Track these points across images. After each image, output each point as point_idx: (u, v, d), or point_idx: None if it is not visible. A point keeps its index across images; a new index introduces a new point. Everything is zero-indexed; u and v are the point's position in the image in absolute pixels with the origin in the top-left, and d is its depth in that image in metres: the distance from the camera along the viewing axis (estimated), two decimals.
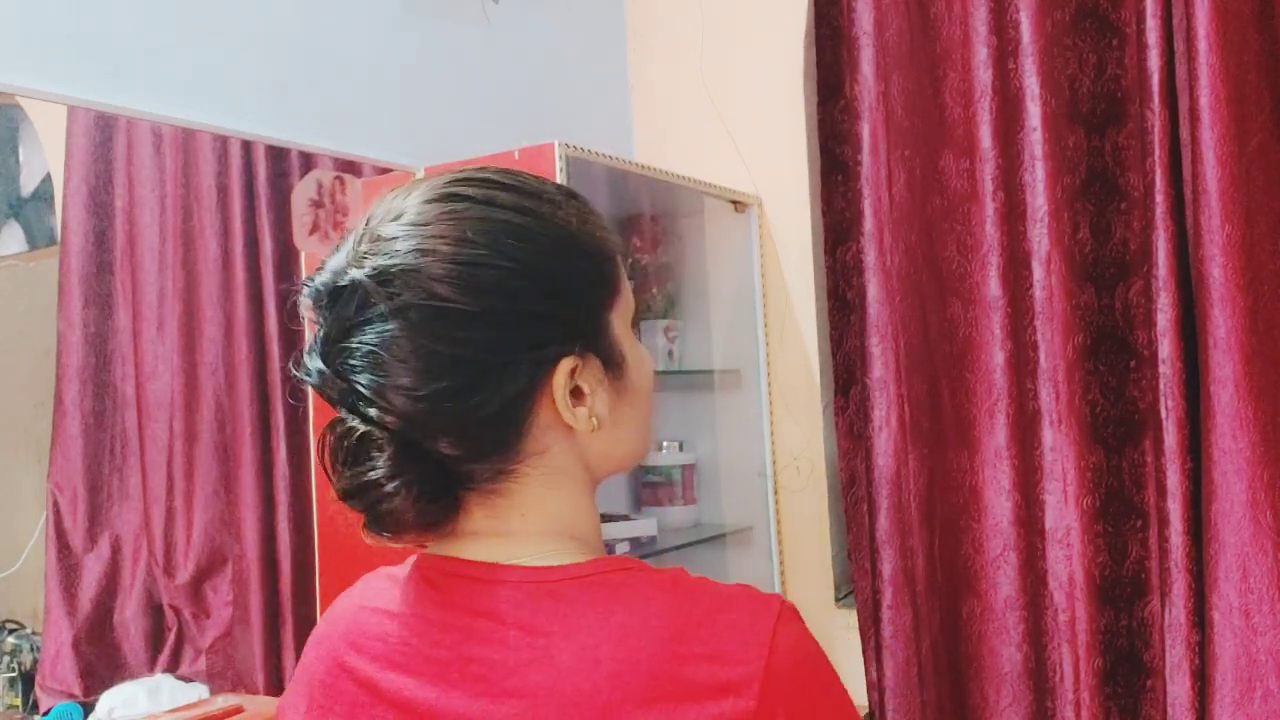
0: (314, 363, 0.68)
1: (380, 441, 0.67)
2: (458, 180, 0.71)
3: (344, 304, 0.67)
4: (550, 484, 0.71)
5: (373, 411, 0.66)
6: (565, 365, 0.69)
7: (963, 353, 2.05)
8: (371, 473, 0.67)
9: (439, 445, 0.67)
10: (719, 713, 0.62)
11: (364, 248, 0.68)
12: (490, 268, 0.67)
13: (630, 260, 2.37)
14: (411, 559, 0.75)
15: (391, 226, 0.68)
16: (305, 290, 0.69)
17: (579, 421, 0.70)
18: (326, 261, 0.70)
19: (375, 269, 0.66)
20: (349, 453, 0.68)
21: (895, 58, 2.11)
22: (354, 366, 0.66)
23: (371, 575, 0.78)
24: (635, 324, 0.78)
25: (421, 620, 0.69)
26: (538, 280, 0.68)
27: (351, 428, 0.67)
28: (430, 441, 0.67)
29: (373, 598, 0.74)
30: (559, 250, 0.70)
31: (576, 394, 0.70)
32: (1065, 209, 1.94)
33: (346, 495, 0.69)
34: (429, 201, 0.69)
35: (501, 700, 0.64)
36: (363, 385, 0.66)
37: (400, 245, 0.67)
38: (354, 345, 0.66)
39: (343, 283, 0.67)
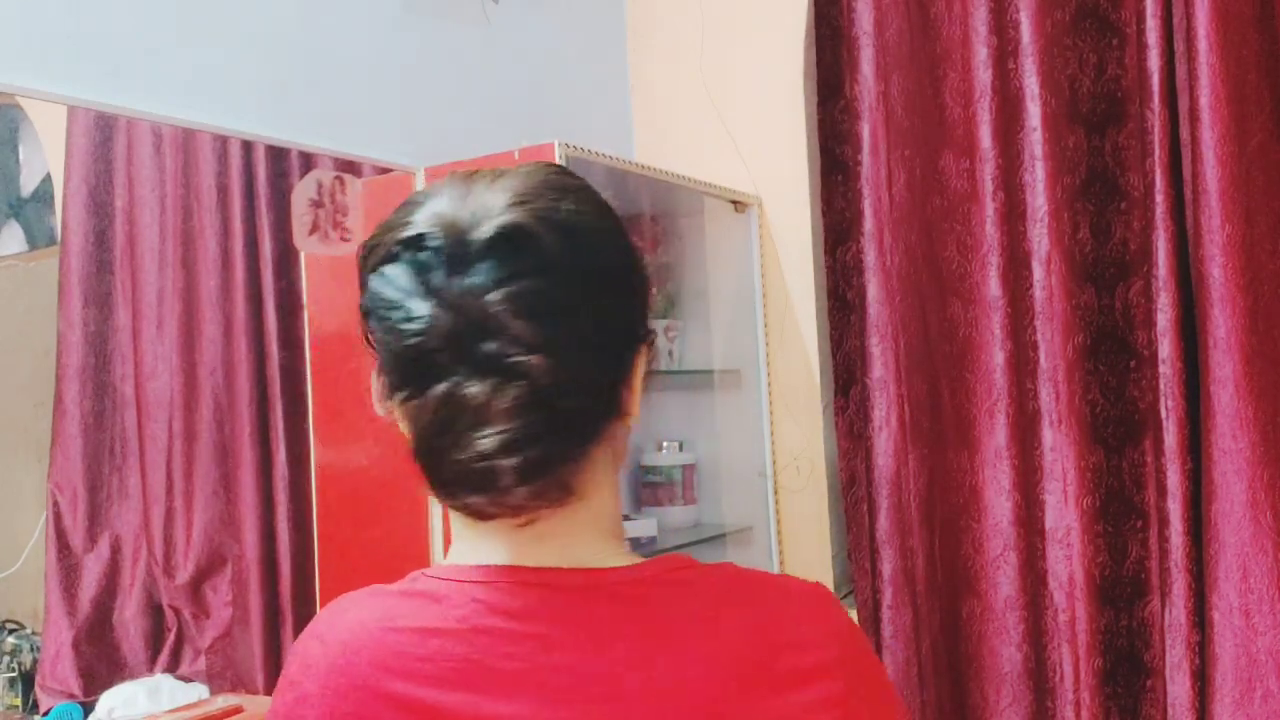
0: (440, 309, 0.63)
1: (520, 397, 0.62)
2: (550, 165, 0.72)
3: (507, 248, 0.64)
4: (607, 471, 0.71)
5: (530, 359, 0.62)
6: (645, 350, 0.71)
7: (963, 353, 2.05)
8: (510, 433, 0.62)
9: (571, 405, 0.64)
10: (813, 698, 0.65)
11: (507, 198, 0.66)
12: (625, 239, 0.70)
13: None
14: (412, 575, 0.71)
15: (520, 184, 0.67)
16: (426, 233, 0.65)
17: (637, 407, 0.71)
18: (423, 210, 0.67)
19: (550, 216, 0.65)
20: (483, 412, 0.62)
21: (895, 58, 2.11)
22: (513, 312, 0.62)
23: (369, 595, 0.71)
24: None
25: (483, 634, 0.65)
26: (642, 268, 0.73)
27: (493, 383, 0.62)
28: (566, 400, 0.63)
29: (399, 618, 0.67)
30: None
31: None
32: (1065, 209, 1.94)
33: (487, 456, 0.62)
34: (552, 174, 0.70)
35: (591, 706, 0.63)
36: (522, 331, 0.62)
37: (560, 203, 0.67)
38: (517, 289, 0.63)
39: (508, 225, 0.64)
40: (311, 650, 0.69)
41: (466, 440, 0.62)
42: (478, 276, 0.63)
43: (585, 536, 0.69)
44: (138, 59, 1.53)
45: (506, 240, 0.64)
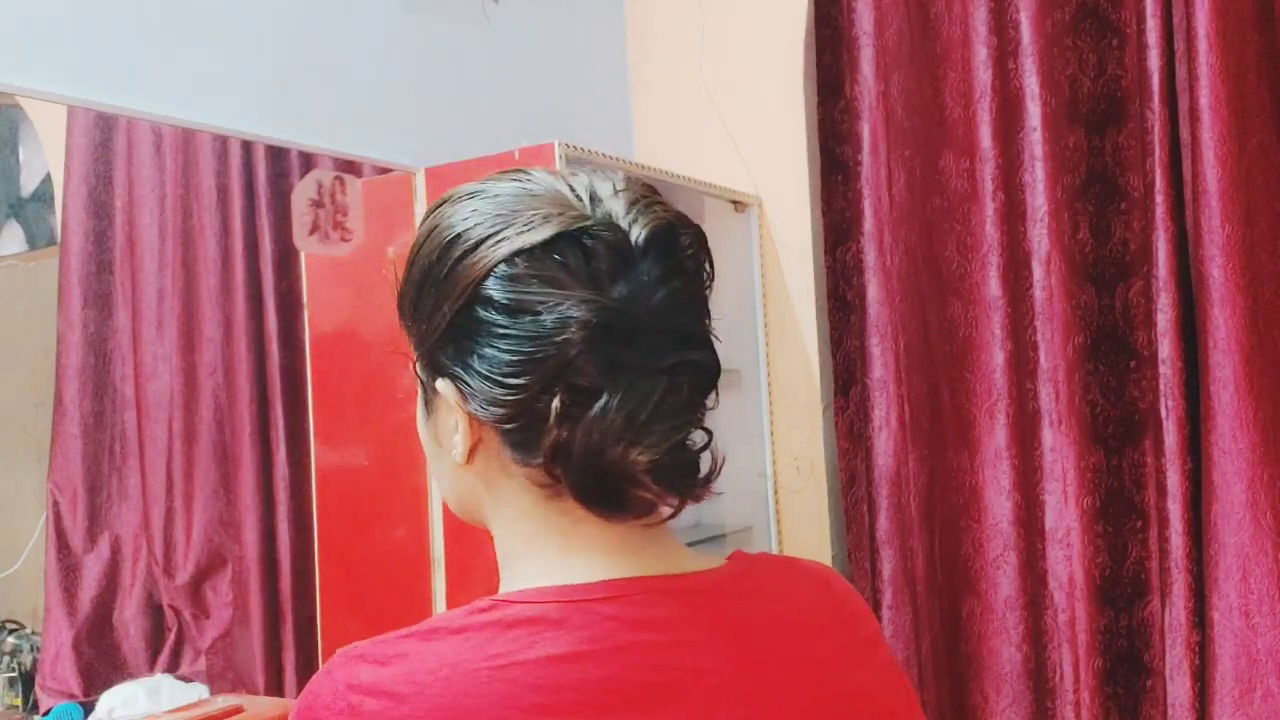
0: (609, 303, 0.61)
1: (692, 391, 0.63)
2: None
3: (662, 248, 0.64)
4: None
5: (698, 355, 0.64)
6: None
7: (963, 353, 2.05)
8: (693, 426, 0.63)
9: (711, 399, 0.67)
10: (882, 659, 0.72)
11: (630, 196, 0.66)
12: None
13: None
14: (483, 603, 0.63)
15: (623, 183, 0.68)
16: (588, 226, 0.63)
17: None
18: (600, 204, 0.65)
19: (680, 218, 0.67)
20: (676, 406, 0.62)
21: (895, 58, 2.11)
22: (675, 309, 0.63)
23: (428, 636, 0.61)
24: None
25: (624, 650, 0.61)
26: None
27: (670, 380, 0.62)
28: (711, 393, 0.66)
29: (508, 652, 0.60)
30: None
31: None
32: (1065, 209, 1.94)
33: (677, 449, 0.62)
34: (645, 184, 0.71)
35: (754, 705, 0.63)
36: (687, 326, 0.64)
37: (679, 214, 0.68)
38: (676, 289, 0.64)
39: (660, 227, 0.64)
40: (368, 709, 0.58)
41: (655, 435, 0.60)
42: (643, 275, 0.63)
43: (668, 541, 0.68)
44: (138, 59, 1.53)
45: (661, 240, 0.64)
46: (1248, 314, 1.72)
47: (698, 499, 0.64)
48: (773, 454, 2.35)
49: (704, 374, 0.65)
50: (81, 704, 1.49)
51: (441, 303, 0.65)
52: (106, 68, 1.50)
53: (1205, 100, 1.73)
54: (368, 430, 1.71)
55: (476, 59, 2.14)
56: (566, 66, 2.38)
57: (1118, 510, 1.93)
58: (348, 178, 1.79)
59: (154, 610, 1.62)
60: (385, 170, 1.87)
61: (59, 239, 1.55)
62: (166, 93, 1.56)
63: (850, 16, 2.16)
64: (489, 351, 0.63)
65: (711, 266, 0.70)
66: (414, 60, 1.99)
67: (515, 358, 0.62)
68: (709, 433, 0.65)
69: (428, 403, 0.70)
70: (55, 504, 1.52)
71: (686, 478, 0.63)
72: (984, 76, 2.01)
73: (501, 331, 0.62)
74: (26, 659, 1.48)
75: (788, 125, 2.34)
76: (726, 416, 2.44)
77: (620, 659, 0.60)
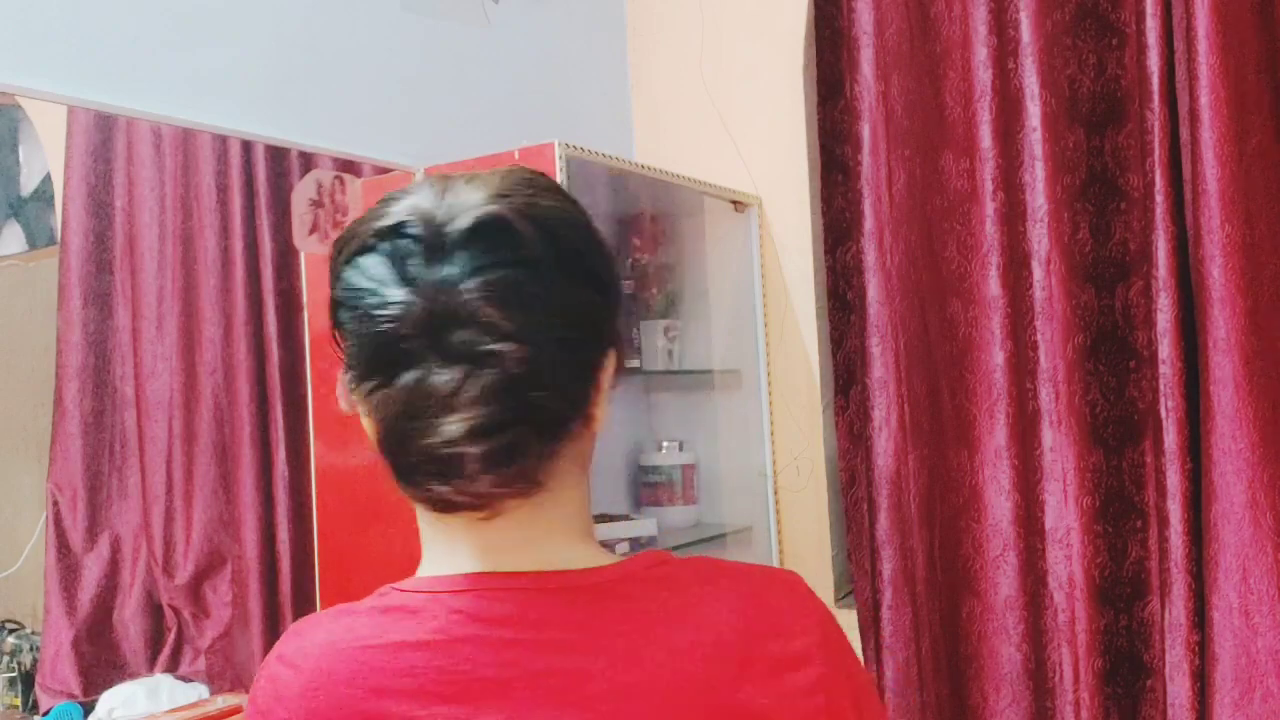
0: (415, 296, 0.63)
1: (490, 385, 0.62)
2: (527, 169, 0.72)
3: (486, 237, 0.64)
4: (575, 472, 0.71)
5: (502, 347, 0.62)
6: (614, 355, 0.71)
7: (963, 353, 2.05)
8: (478, 419, 0.61)
9: (541, 396, 0.64)
10: (798, 683, 0.66)
11: (486, 193, 0.66)
12: (601, 240, 0.71)
13: (630, 260, 2.37)
14: (381, 590, 0.70)
15: (499, 182, 0.68)
16: (407, 221, 0.65)
17: (602, 411, 0.71)
18: (400, 204, 0.67)
19: (528, 211, 0.66)
20: (452, 399, 0.62)
21: (895, 58, 2.11)
22: (488, 300, 0.62)
23: (335, 616, 0.69)
24: None
25: (464, 643, 0.64)
26: (616, 272, 0.73)
27: (466, 371, 0.62)
28: (537, 391, 0.64)
29: (372, 635, 0.66)
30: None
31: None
32: (1065, 209, 1.94)
33: (453, 442, 0.62)
34: (529, 174, 0.71)
35: (588, 706, 0.63)
36: (496, 319, 0.62)
37: (538, 199, 0.67)
38: (494, 279, 0.63)
39: (487, 216, 0.65)
40: (281, 675, 0.67)
41: (433, 426, 0.62)
42: (454, 266, 0.63)
43: (557, 539, 0.69)
44: (138, 59, 1.53)
45: (485, 230, 0.64)
46: (1248, 314, 1.72)
47: (481, 501, 0.64)
48: (773, 454, 2.35)
49: (505, 367, 0.62)
50: (81, 704, 1.49)
51: (331, 312, 0.70)
52: (106, 68, 1.50)
53: (1205, 100, 1.73)
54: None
55: (476, 59, 2.13)
56: (566, 66, 2.38)
57: (1118, 510, 1.93)
58: (347, 177, 1.79)
59: (154, 610, 1.62)
60: (385, 170, 1.87)
61: (59, 239, 1.55)
62: (166, 93, 1.56)
63: (850, 16, 2.16)
64: (346, 347, 0.68)
65: (599, 268, 0.69)
66: (414, 60, 1.99)
67: (353, 351, 0.67)
68: (526, 431, 0.63)
69: None
70: (55, 504, 1.52)
71: (454, 472, 0.63)
72: (984, 76, 2.01)
73: (346, 328, 0.67)
74: (26, 659, 1.48)
75: (788, 125, 2.34)
76: (726, 416, 2.44)
77: (461, 651, 0.64)
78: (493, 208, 0.65)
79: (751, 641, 0.66)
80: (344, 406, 0.68)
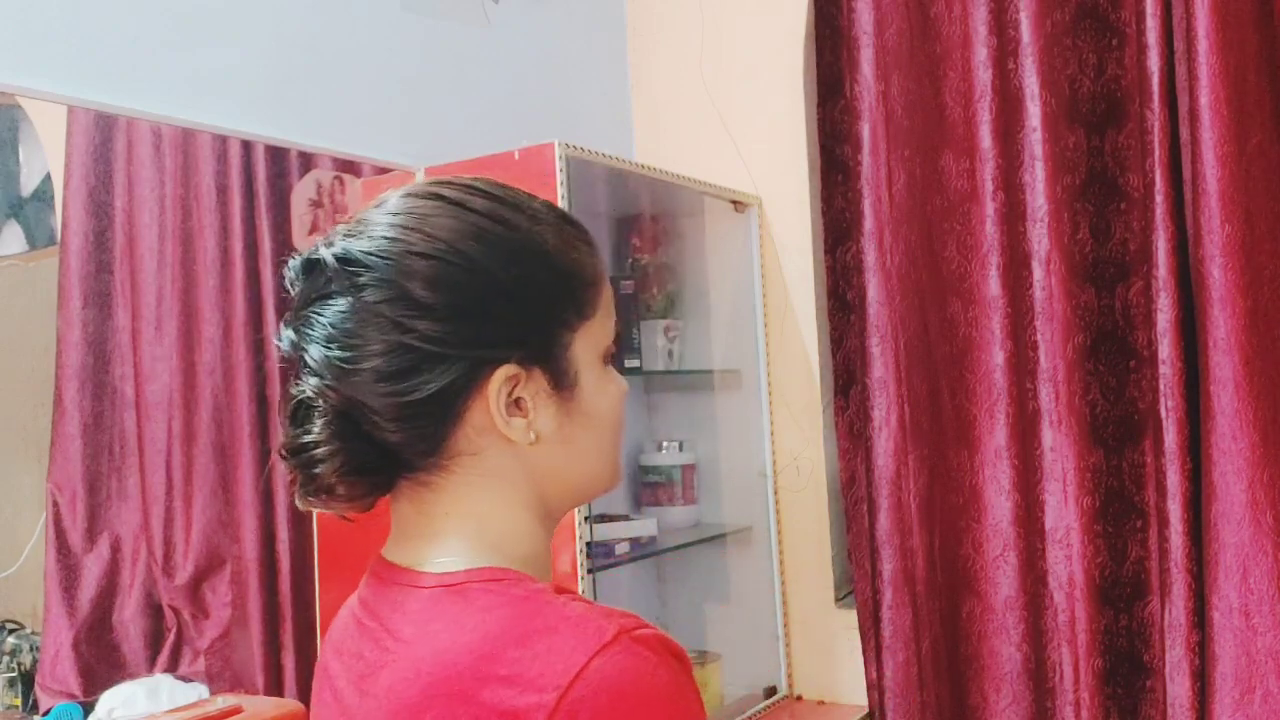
0: (285, 330, 0.72)
1: (321, 409, 0.70)
2: (442, 182, 0.74)
3: (312, 278, 0.71)
4: (481, 486, 0.72)
5: (314, 381, 0.70)
6: (503, 371, 0.70)
7: (963, 353, 2.05)
8: (306, 436, 0.70)
9: (373, 424, 0.69)
10: None
11: (342, 229, 0.73)
12: (443, 263, 0.69)
13: (630, 261, 2.37)
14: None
15: (372, 213, 0.73)
16: (289, 263, 0.73)
17: (513, 431, 0.71)
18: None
19: (341, 250, 0.70)
20: (293, 414, 0.72)
21: (895, 58, 2.11)
22: (309, 336, 0.70)
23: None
24: (609, 356, 0.77)
25: (355, 620, 0.75)
26: (490, 283, 0.70)
27: (299, 392, 0.71)
28: (365, 419, 0.69)
29: (352, 601, 0.79)
30: (521, 260, 0.71)
31: (518, 405, 0.71)
32: (1065, 209, 1.94)
33: (284, 453, 0.72)
34: (408, 196, 0.73)
35: (365, 699, 0.69)
36: (311, 356, 0.70)
37: (370, 230, 0.71)
38: (312, 317, 0.70)
39: (313, 258, 0.71)
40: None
41: (289, 433, 0.72)
42: (297, 300, 0.72)
43: (430, 541, 0.72)
44: (138, 59, 1.53)
45: (306, 269, 0.72)
46: (1248, 314, 1.72)
47: (326, 504, 0.72)
48: (773, 454, 2.34)
49: (324, 398, 0.70)
50: (81, 704, 1.49)
51: None
52: (106, 68, 1.50)
53: (1205, 100, 1.73)
54: None
55: (476, 59, 2.13)
56: (566, 66, 2.38)
57: (1118, 510, 1.93)
58: (347, 178, 1.79)
59: (153, 610, 1.62)
60: (385, 170, 1.87)
61: (59, 239, 1.55)
62: (166, 93, 1.56)
63: (850, 16, 2.16)
64: None
65: (421, 291, 0.69)
66: (414, 60, 1.99)
67: None
68: (322, 451, 0.70)
69: None
70: (55, 504, 1.52)
71: (301, 479, 0.72)
72: (984, 76, 2.01)
73: None
74: (26, 659, 1.48)
75: (788, 125, 2.34)
76: (726, 416, 2.44)
77: (352, 626, 0.75)
78: (316, 251, 0.72)
79: (475, 682, 0.62)
80: None
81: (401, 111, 1.95)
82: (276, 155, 1.75)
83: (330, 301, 0.69)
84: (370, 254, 0.69)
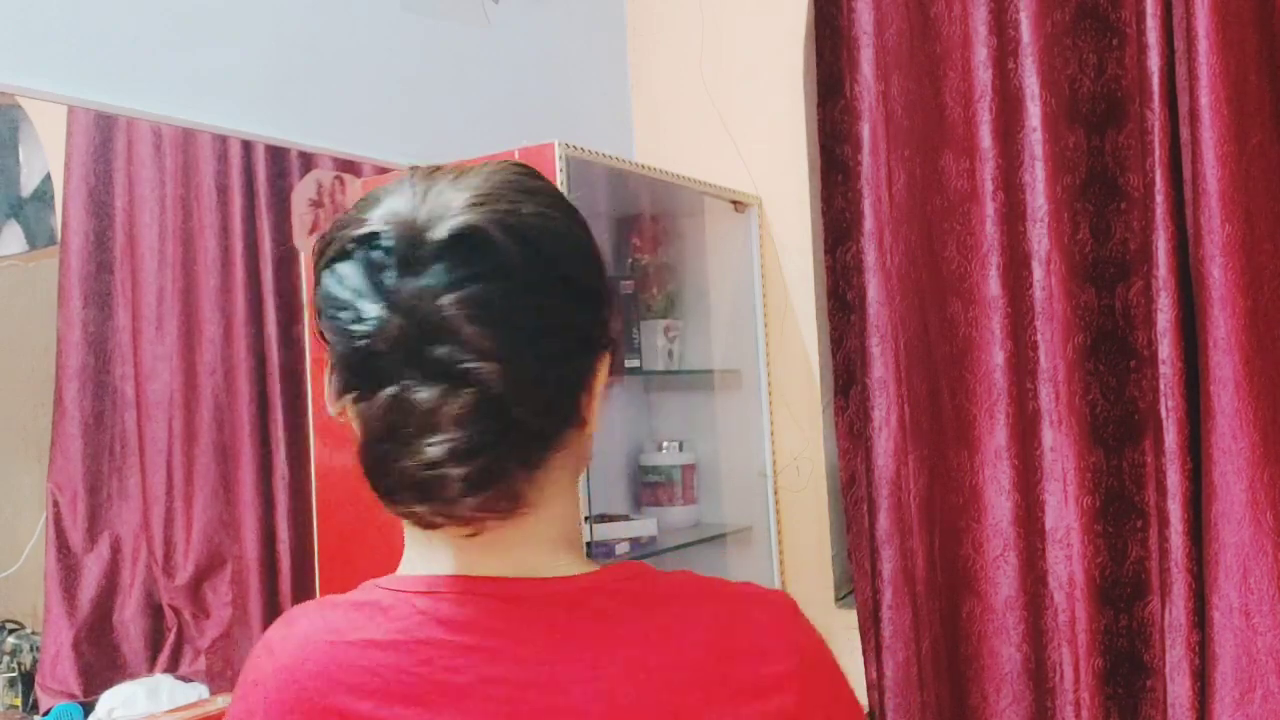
0: (391, 311, 0.61)
1: (471, 405, 0.60)
2: (517, 166, 0.70)
3: (462, 250, 0.62)
4: (565, 480, 0.69)
5: (480, 365, 0.60)
6: (606, 358, 0.70)
7: (963, 353, 2.05)
8: (459, 439, 0.60)
9: (523, 412, 0.62)
10: (769, 709, 0.64)
11: (467, 198, 0.64)
12: (587, 244, 0.69)
13: (630, 260, 2.37)
14: (365, 584, 0.69)
15: (482, 183, 0.65)
16: (380, 231, 0.63)
17: (596, 419, 0.69)
18: (379, 209, 0.65)
19: (507, 220, 0.63)
20: (432, 417, 0.60)
21: (895, 58, 2.11)
22: (466, 317, 0.60)
23: (320, 607, 0.69)
24: None
25: (426, 645, 0.64)
26: (605, 274, 0.71)
27: (445, 390, 0.60)
28: (519, 408, 0.62)
29: (346, 630, 0.65)
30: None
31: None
32: (1065, 209, 1.94)
33: (434, 465, 0.60)
34: (516, 174, 0.68)
35: (538, 719, 0.62)
36: (473, 336, 0.60)
37: (521, 206, 0.65)
38: (470, 294, 0.61)
39: (464, 227, 0.62)
40: (261, 664, 0.67)
41: (414, 446, 0.60)
42: (430, 278, 0.61)
43: (537, 545, 0.67)
44: (138, 59, 1.53)
45: (462, 242, 0.62)
46: (1248, 314, 1.72)
47: (464, 520, 0.63)
48: (773, 454, 2.35)
49: (484, 385, 0.61)
50: (81, 704, 1.49)
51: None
52: (106, 68, 1.50)
53: (1205, 100, 1.73)
54: None
55: (476, 59, 2.13)
56: (566, 66, 2.38)
57: (1118, 510, 1.93)
58: (347, 177, 1.79)
59: (154, 610, 1.62)
60: (385, 170, 1.87)
61: (59, 239, 1.55)
62: (166, 93, 1.56)
63: (850, 16, 2.16)
64: (328, 352, 0.66)
65: (586, 272, 0.67)
66: (414, 60, 1.99)
67: (331, 360, 0.65)
68: (507, 451, 0.62)
69: None
70: (55, 504, 1.52)
71: (435, 494, 0.61)
72: (984, 76, 2.01)
73: (323, 335, 0.66)
74: (26, 659, 1.48)
75: (788, 125, 2.34)
76: (726, 416, 2.44)
77: (419, 652, 0.63)
78: (470, 218, 0.62)
79: (725, 662, 0.64)
80: (331, 409, 0.67)
81: (401, 111, 1.95)
82: (276, 155, 1.75)
83: (497, 278, 0.62)
84: (541, 230, 0.65)
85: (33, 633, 1.49)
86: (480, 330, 0.60)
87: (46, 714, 1.46)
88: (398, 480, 0.62)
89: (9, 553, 1.47)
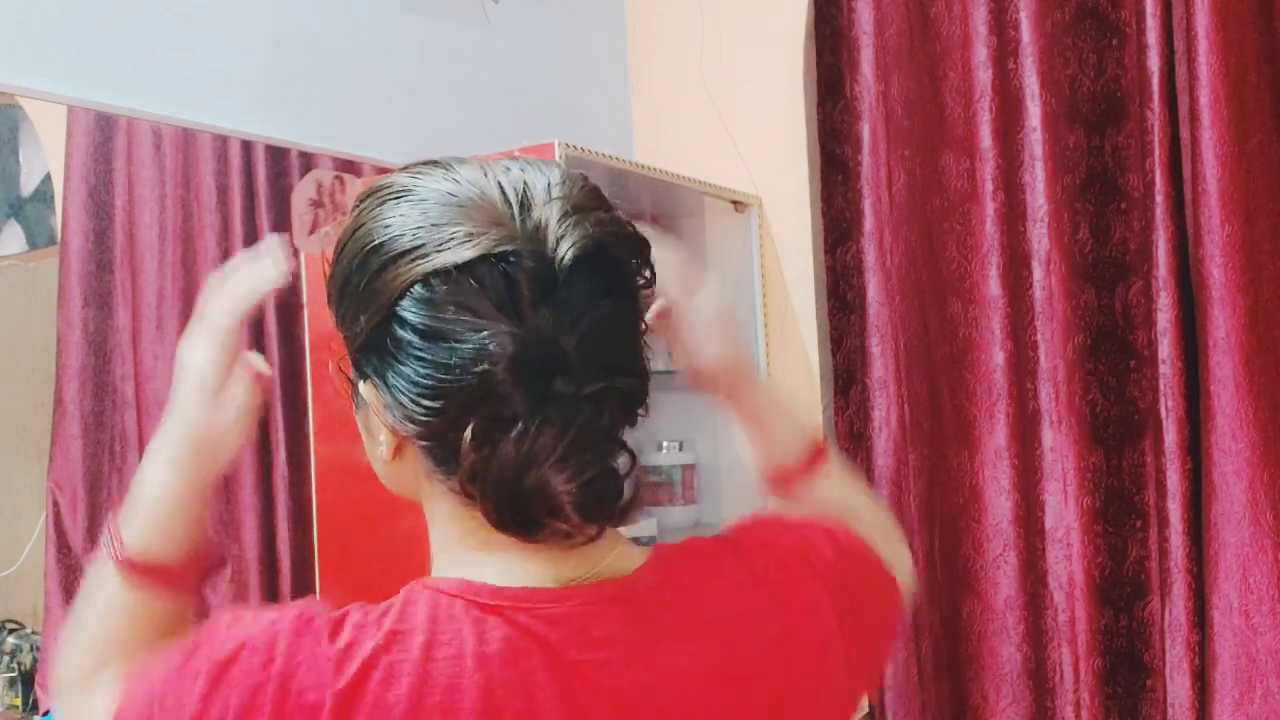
0: (522, 331, 0.59)
1: (616, 417, 0.62)
2: (544, 162, 0.69)
3: (593, 269, 0.61)
4: None
5: (625, 383, 0.62)
6: None
7: (963, 353, 2.05)
8: (619, 455, 0.62)
9: (625, 426, 0.64)
10: (818, 645, 0.69)
11: (579, 210, 0.62)
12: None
13: None
14: (411, 592, 0.64)
15: (562, 190, 0.63)
16: (505, 251, 0.59)
17: None
18: (479, 222, 0.61)
19: (617, 235, 0.63)
20: (599, 433, 0.61)
21: (895, 58, 2.11)
22: (605, 335, 0.61)
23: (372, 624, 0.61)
24: None
25: (528, 656, 0.61)
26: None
27: (601, 405, 0.60)
28: (631, 421, 0.65)
29: (438, 644, 0.61)
30: None
31: None
32: (1065, 209, 1.94)
33: (607, 475, 0.61)
34: (584, 180, 0.67)
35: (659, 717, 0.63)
36: (615, 357, 0.61)
37: (617, 224, 0.64)
38: (602, 314, 0.61)
39: (592, 246, 0.61)
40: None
41: (546, 471, 0.59)
42: (567, 301, 0.60)
43: (604, 541, 0.66)
44: (138, 59, 1.53)
45: (592, 259, 0.61)
46: (1248, 314, 1.72)
47: (618, 525, 0.64)
48: None
49: (629, 401, 0.64)
50: None
51: (359, 314, 0.64)
52: (106, 68, 1.50)
53: (1205, 100, 1.73)
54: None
55: (476, 59, 2.13)
56: (566, 66, 2.38)
57: (1118, 510, 1.93)
58: (347, 178, 1.79)
59: None
60: (385, 170, 1.87)
61: (59, 239, 1.55)
62: (166, 93, 1.56)
63: (850, 16, 2.16)
64: (406, 371, 0.62)
65: (652, 275, 0.67)
66: (414, 60, 1.99)
67: (431, 382, 0.61)
68: (634, 457, 0.64)
69: (356, 396, 0.69)
70: (55, 504, 1.52)
71: (606, 506, 0.62)
72: (984, 76, 2.01)
73: (417, 354, 0.61)
74: (26, 659, 1.48)
75: (788, 125, 2.34)
76: (726, 416, 2.43)
77: (524, 667, 0.59)
78: (589, 231, 0.61)
79: (785, 628, 0.68)
80: (382, 448, 0.66)
81: (401, 111, 1.95)
82: (276, 155, 1.75)
83: (611, 296, 0.62)
84: (639, 245, 0.65)
85: (33, 632, 1.49)
86: (617, 348, 0.62)
87: (46, 714, 1.46)
88: (525, 502, 0.59)
89: (9, 552, 1.47)
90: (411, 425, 0.62)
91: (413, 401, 0.62)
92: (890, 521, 0.86)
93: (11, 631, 1.48)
